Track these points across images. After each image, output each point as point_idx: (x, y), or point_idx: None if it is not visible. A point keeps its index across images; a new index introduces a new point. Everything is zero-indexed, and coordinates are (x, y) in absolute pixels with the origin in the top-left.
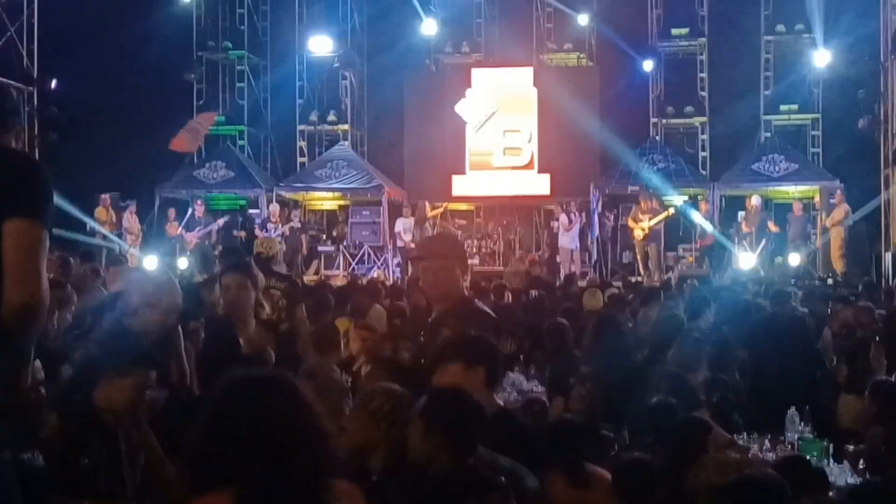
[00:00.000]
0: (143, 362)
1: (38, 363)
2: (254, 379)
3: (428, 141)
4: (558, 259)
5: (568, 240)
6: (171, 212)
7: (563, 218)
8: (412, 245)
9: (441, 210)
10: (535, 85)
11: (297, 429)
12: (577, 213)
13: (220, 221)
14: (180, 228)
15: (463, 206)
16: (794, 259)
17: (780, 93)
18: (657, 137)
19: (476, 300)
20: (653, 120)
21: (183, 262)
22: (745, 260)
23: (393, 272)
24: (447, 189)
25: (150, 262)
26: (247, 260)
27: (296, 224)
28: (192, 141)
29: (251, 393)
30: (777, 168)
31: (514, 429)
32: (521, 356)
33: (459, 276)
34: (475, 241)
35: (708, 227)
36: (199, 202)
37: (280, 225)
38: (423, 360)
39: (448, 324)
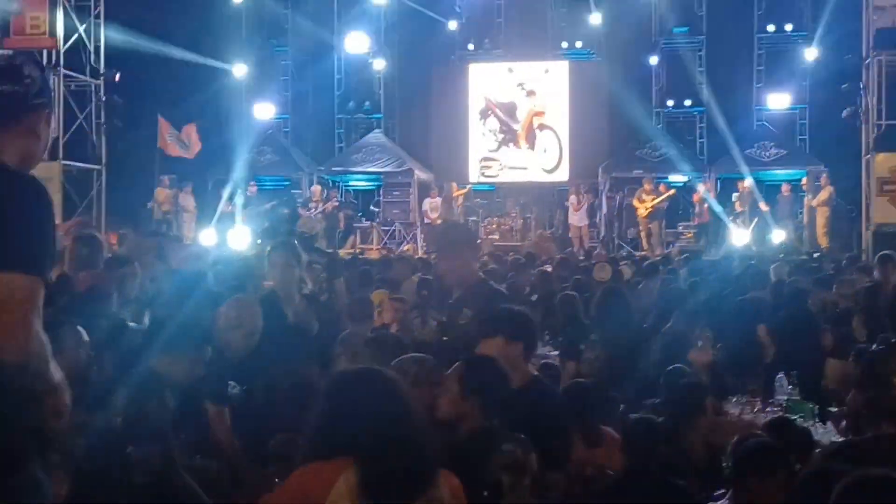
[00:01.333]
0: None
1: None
2: (359, 373)
3: (453, 129)
4: (570, 235)
5: (577, 218)
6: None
7: (573, 199)
8: (438, 221)
9: (466, 190)
10: (550, 79)
11: (392, 412)
12: (584, 194)
13: (268, 205)
14: (231, 206)
15: (484, 187)
16: (779, 235)
17: (772, 85)
18: (659, 126)
19: (490, 281)
20: (656, 110)
21: (234, 236)
22: (739, 236)
23: (421, 246)
24: (468, 171)
25: (208, 237)
26: (291, 239)
27: (334, 203)
28: (184, 150)
29: (357, 384)
30: (768, 153)
31: (545, 394)
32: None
33: (471, 261)
34: (496, 219)
35: (714, 203)
36: (252, 184)
37: (321, 204)
38: (444, 337)
39: (468, 304)
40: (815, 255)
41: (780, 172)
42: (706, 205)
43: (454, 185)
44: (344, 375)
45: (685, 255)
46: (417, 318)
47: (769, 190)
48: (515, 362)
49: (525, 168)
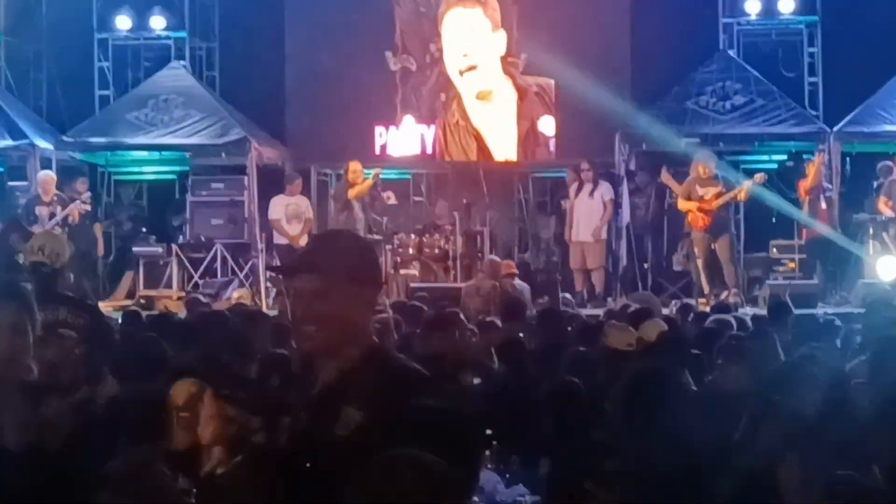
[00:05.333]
0: None
1: None
2: None
3: (330, 63)
4: (571, 265)
5: (584, 227)
6: None
7: (576, 193)
8: (302, 240)
9: (371, 181)
10: None
11: None
12: (595, 185)
13: None
14: None
15: (392, 176)
16: None
17: None
18: (731, 51)
19: (391, 352)
20: (724, 20)
21: None
22: (887, 266)
23: (267, 289)
24: (365, 146)
25: None
26: (18, 280)
27: (83, 205)
28: None
29: None
30: None
31: None
32: (495, 442)
33: (363, 307)
34: (412, 237)
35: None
36: None
37: (58, 206)
38: (304, 461)
39: (353, 397)
40: None
41: None
42: (823, 204)
43: (353, 167)
44: None
45: (777, 303)
46: (261, 432)
47: None
48: None
49: (472, 140)
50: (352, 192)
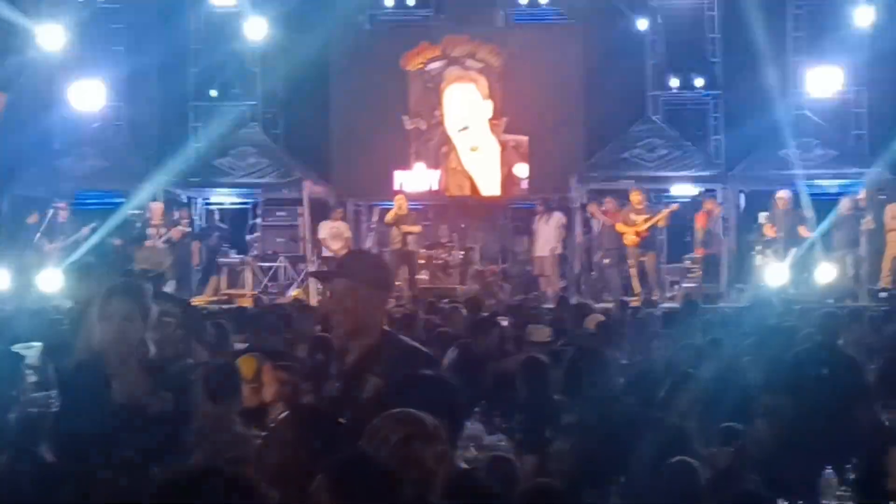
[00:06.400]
0: None
1: None
2: None
3: (363, 123)
4: (536, 273)
5: (544, 244)
6: (34, 216)
7: (542, 220)
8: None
9: (399, 212)
10: (500, 53)
11: None
12: (552, 213)
13: (86, 230)
14: (37, 235)
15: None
16: (826, 273)
17: (814, 58)
18: (656, 117)
19: (400, 334)
20: (650, 93)
21: (48, 280)
22: (774, 273)
23: (317, 291)
24: (388, 185)
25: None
26: (135, 280)
27: (184, 228)
28: None
29: None
30: (812, 155)
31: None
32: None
33: (378, 304)
34: (422, 251)
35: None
36: (61, 204)
37: (163, 230)
38: (339, 416)
39: (372, 369)
40: (883, 295)
41: (827, 184)
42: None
43: (400, 201)
44: None
45: (689, 301)
46: (310, 393)
47: (817, 207)
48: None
49: (466, 180)
50: (389, 217)
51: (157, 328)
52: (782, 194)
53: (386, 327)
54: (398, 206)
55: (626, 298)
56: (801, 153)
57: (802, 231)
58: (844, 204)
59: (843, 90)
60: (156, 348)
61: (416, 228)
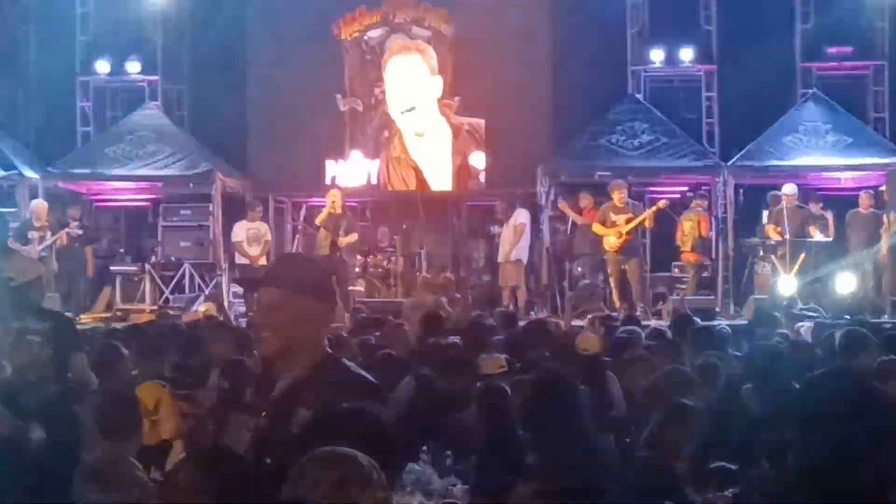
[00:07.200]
0: None
1: None
2: None
3: (287, 104)
4: (500, 283)
5: (509, 248)
6: None
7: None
8: (262, 261)
9: (333, 210)
10: (452, 19)
11: None
12: (516, 212)
13: None
14: None
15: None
16: (846, 282)
17: (825, 28)
18: (639, 95)
19: (342, 361)
20: (632, 68)
21: None
22: (779, 284)
23: (231, 304)
24: (318, 177)
25: None
26: None
27: (75, 230)
28: None
29: None
30: (823, 142)
31: None
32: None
33: (318, 320)
34: (357, 258)
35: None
36: None
37: (49, 232)
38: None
39: (305, 399)
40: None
41: (842, 176)
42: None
43: (334, 197)
44: None
45: (679, 317)
46: (218, 429)
47: (830, 204)
48: None
49: (411, 172)
50: (320, 218)
51: (16, 348)
52: (788, 189)
53: (328, 349)
54: (331, 203)
55: (599, 315)
56: (812, 139)
57: (813, 232)
58: (863, 200)
59: (860, 66)
60: (14, 371)
61: (352, 238)
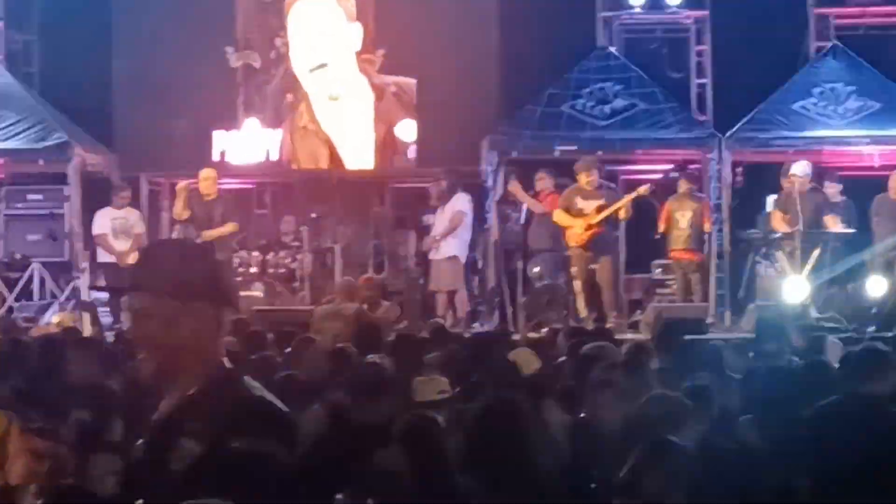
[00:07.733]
0: None
1: None
2: None
3: (164, 60)
4: (431, 287)
5: (443, 245)
6: None
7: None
8: (132, 258)
9: (208, 194)
10: None
11: None
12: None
13: None
14: None
15: (233, 186)
16: (877, 285)
17: None
18: (612, 48)
19: (242, 379)
20: (603, 14)
21: None
22: (788, 286)
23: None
24: (203, 153)
25: None
26: None
27: None
28: None
29: None
30: (843, 108)
31: None
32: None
33: (212, 328)
34: (254, 255)
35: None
36: None
37: None
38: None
39: (190, 429)
40: None
41: (866, 151)
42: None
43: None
44: None
45: (664, 329)
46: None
47: (851, 187)
48: None
49: (323, 146)
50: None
51: None
52: (798, 169)
53: (225, 364)
54: (201, 185)
55: (560, 326)
56: (828, 106)
57: (829, 222)
58: (893, 182)
59: (890, 13)
60: None
61: (225, 230)
